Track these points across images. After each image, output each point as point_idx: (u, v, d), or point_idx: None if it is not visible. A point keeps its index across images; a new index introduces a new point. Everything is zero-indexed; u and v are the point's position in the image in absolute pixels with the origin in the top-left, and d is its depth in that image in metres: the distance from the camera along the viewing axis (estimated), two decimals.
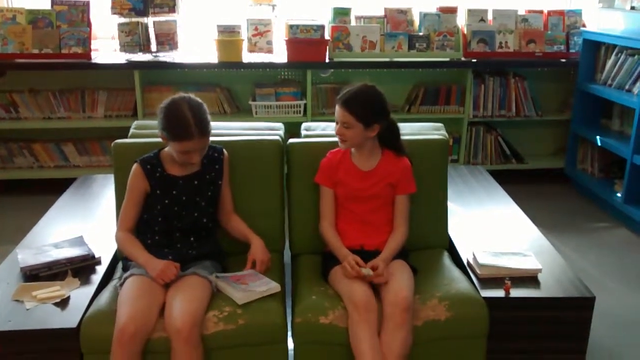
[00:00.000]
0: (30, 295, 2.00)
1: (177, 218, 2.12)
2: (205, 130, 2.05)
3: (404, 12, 4.16)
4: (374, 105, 2.14)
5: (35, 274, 2.12)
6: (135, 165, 2.14)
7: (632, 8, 3.95)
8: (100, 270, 2.20)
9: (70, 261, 2.18)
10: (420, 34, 4.13)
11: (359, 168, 2.23)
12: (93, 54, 3.94)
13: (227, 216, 2.26)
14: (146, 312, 1.88)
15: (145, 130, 2.46)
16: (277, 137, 2.40)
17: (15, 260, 2.21)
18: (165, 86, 4.00)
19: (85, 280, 2.12)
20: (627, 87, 3.75)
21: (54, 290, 2.02)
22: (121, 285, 2.01)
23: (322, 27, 3.91)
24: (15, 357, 1.88)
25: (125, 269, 2.12)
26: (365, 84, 2.17)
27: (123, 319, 1.84)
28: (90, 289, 2.07)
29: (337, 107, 2.15)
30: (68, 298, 2.01)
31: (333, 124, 2.22)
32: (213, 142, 2.20)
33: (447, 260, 2.32)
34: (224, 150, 2.25)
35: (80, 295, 2.03)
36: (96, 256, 2.24)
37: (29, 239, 2.42)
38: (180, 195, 2.13)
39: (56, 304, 1.97)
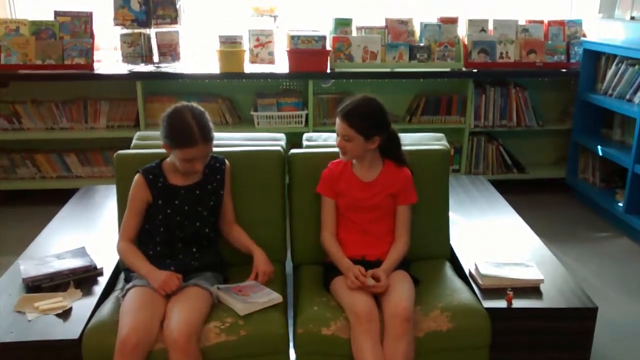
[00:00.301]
0: (32, 307, 2.00)
1: (179, 228, 2.13)
2: (208, 137, 2.06)
3: (405, 23, 4.18)
4: (374, 118, 2.14)
5: (37, 285, 2.12)
6: (137, 176, 2.14)
7: (632, 18, 3.97)
8: (103, 281, 2.20)
9: (72, 272, 2.18)
10: (421, 44, 4.14)
11: (360, 179, 2.23)
12: (95, 65, 3.96)
13: (228, 226, 2.26)
14: (148, 323, 1.88)
15: (148, 141, 2.47)
16: (278, 148, 2.41)
17: (17, 271, 2.21)
18: (167, 97, 4.01)
19: (87, 291, 2.12)
20: (627, 96, 3.76)
21: (56, 301, 2.02)
22: (123, 296, 2.00)
23: (323, 38, 3.93)
24: None
25: (127, 280, 2.13)
26: (366, 96, 2.18)
27: (125, 330, 1.83)
28: (93, 300, 2.07)
29: (338, 120, 2.15)
30: (70, 309, 2.00)
31: (334, 135, 2.23)
32: (215, 152, 2.20)
33: (449, 270, 2.32)
34: (226, 160, 2.26)
35: (83, 306, 2.03)
36: (98, 267, 2.24)
37: (31, 249, 2.42)
38: (182, 205, 2.13)
39: (58, 315, 1.97)
